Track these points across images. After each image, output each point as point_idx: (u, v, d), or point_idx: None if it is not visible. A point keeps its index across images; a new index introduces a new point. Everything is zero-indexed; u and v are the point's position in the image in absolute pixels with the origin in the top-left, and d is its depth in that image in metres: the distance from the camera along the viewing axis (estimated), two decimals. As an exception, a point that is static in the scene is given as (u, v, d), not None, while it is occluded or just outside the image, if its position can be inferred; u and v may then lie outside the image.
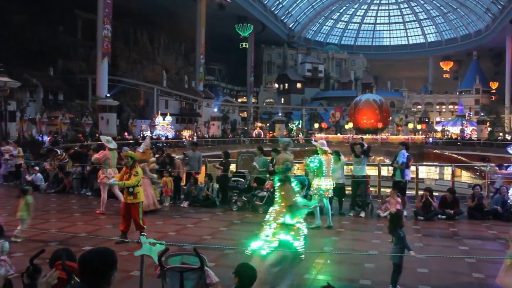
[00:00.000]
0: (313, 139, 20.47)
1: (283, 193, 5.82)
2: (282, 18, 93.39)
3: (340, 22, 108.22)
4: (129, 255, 7.32)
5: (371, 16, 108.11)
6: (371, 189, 13.88)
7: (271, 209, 5.95)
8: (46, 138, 30.55)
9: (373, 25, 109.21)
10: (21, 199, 8.85)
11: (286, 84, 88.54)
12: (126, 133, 45.12)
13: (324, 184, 10.38)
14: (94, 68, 51.47)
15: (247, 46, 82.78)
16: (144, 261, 4.69)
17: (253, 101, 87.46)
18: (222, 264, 7.26)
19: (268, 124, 72.30)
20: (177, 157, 15.94)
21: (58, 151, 17.19)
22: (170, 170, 13.77)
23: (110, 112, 44.19)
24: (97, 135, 34.07)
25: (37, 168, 16.38)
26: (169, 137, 47.04)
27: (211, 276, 4.19)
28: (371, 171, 15.20)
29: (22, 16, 54.71)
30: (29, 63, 50.06)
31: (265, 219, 5.93)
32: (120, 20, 58.67)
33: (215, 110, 65.65)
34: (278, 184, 5.94)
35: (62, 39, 58.58)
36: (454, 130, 70.65)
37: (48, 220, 10.82)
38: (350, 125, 55.79)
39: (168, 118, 51.79)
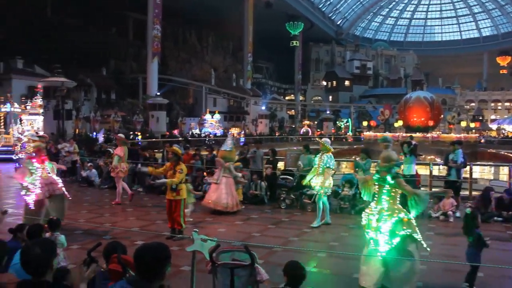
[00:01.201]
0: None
1: (401, 188, 5.88)
2: (330, 15, 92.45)
3: (389, 18, 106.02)
4: (179, 250, 7.44)
5: (421, 11, 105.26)
6: (422, 188, 13.50)
7: (370, 209, 6.04)
8: (100, 135, 31.53)
9: (424, 20, 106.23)
10: None
11: (334, 82, 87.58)
12: (175, 131, 45.95)
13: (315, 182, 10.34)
14: (145, 68, 52.72)
15: (297, 44, 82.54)
16: (195, 257, 4.74)
17: (300, 99, 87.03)
18: (271, 261, 7.24)
19: (316, 122, 71.80)
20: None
21: (111, 150, 17.69)
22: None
23: (160, 110, 45.20)
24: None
25: (91, 164, 16.94)
26: (217, 134, 47.54)
27: (261, 273, 4.19)
28: (422, 170, 14.80)
29: (77, 20, 56.71)
30: (83, 64, 51.83)
31: (363, 222, 6.07)
32: (169, 20, 59.76)
33: (263, 108, 65.78)
34: (391, 181, 5.90)
35: (114, 40, 60.38)
36: (510, 129, 67.79)
37: (102, 215, 11.17)
38: (400, 123, 54.47)
39: (217, 116, 52.36)
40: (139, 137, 35.63)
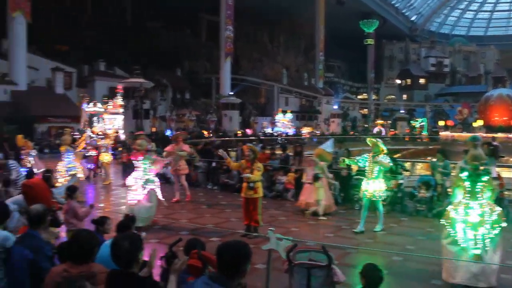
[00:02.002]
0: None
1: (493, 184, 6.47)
2: (403, 11, 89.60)
3: (468, 12, 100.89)
4: (254, 248, 7.50)
5: (504, 3, 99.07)
6: (506, 192, 12.74)
7: (465, 205, 6.26)
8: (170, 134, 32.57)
9: (508, 12, 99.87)
10: None
11: (409, 80, 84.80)
12: (247, 130, 46.52)
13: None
14: (218, 68, 53.80)
15: (372, 42, 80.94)
16: (271, 255, 4.80)
17: (373, 97, 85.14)
18: (345, 263, 7.19)
19: (389, 122, 69.95)
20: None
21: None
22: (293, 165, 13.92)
23: (232, 110, 45.97)
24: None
25: (168, 162, 17.49)
26: (289, 134, 47.58)
27: (338, 274, 4.18)
28: (506, 173, 14.00)
29: (154, 23, 59.00)
30: (159, 65, 53.83)
31: (456, 217, 6.28)
32: (241, 21, 60.55)
33: (335, 107, 65.00)
34: (485, 178, 6.24)
35: (188, 41, 62.12)
36: None
37: (178, 211, 11.55)
38: (480, 122, 51.83)
39: (289, 115, 52.40)
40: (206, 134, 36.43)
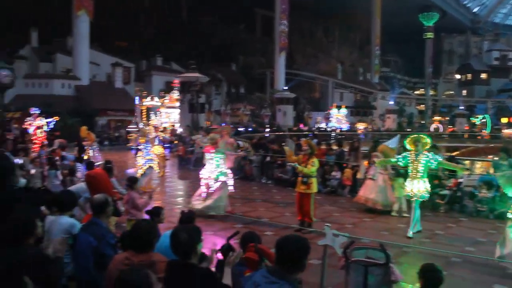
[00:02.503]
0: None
1: None
2: (465, 2, 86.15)
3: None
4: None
5: None
6: None
7: None
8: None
9: None
10: None
11: (469, 75, 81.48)
12: (301, 124, 46.32)
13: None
14: (272, 63, 53.89)
15: (431, 36, 78.51)
16: (326, 251, 4.77)
17: (431, 93, 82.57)
18: (401, 261, 7.03)
19: (447, 118, 67.66)
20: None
21: (240, 142, 18.33)
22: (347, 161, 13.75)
23: (287, 104, 45.89)
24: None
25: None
26: (343, 129, 46.98)
27: (396, 273, 4.10)
28: None
29: (210, 18, 59.82)
30: (214, 60, 54.56)
31: None
32: (295, 15, 60.29)
33: (391, 102, 63.52)
34: None
35: (243, 36, 62.55)
36: None
37: (233, 204, 11.68)
38: (547, 119, 49.32)
39: (343, 111, 51.72)
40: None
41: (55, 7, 48.02)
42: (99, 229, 4.28)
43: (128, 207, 7.17)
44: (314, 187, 9.14)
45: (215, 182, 10.24)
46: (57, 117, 20.03)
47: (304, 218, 9.11)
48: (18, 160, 9.60)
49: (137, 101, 31.38)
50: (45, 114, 18.97)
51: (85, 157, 13.46)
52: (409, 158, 8.87)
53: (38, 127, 17.08)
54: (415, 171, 8.79)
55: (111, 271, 3.50)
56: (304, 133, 28.74)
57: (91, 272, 4.07)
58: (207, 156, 10.64)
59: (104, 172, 7.49)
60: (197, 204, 10.17)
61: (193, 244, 3.41)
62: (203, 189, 10.33)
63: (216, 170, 10.29)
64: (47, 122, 18.74)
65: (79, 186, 7.56)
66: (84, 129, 15.09)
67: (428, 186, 8.90)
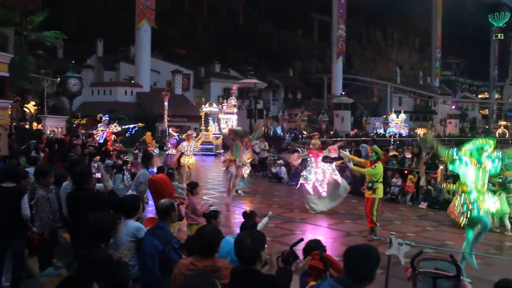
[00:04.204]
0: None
1: None
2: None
3: None
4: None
5: None
6: None
7: None
8: (280, 133, 32.88)
9: None
10: None
11: (540, 77, 77.63)
12: (355, 130, 45.65)
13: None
14: (329, 68, 53.51)
15: (502, 37, 75.33)
16: (391, 261, 4.63)
17: (496, 96, 79.06)
18: (474, 275, 6.70)
19: (514, 123, 64.51)
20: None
21: (299, 149, 18.22)
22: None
23: (344, 110, 45.40)
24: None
25: (280, 161, 17.72)
26: (402, 134, 45.88)
27: (468, 286, 3.91)
28: None
29: (267, 24, 60.27)
30: (271, 66, 54.81)
31: None
32: (353, 20, 59.60)
33: (453, 107, 61.42)
34: None
35: (300, 42, 62.53)
36: None
37: (292, 210, 11.64)
38: None
39: (402, 116, 50.53)
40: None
41: (119, 18, 50.03)
42: (165, 233, 4.37)
43: (188, 211, 7.30)
44: (380, 193, 9.10)
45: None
46: (140, 124, 20.76)
47: (367, 224, 9.05)
48: (93, 164, 10.01)
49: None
50: (115, 120, 19.68)
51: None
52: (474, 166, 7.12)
53: (113, 133, 17.67)
54: (484, 185, 7.13)
55: (176, 275, 3.56)
56: (363, 138, 28.23)
57: (156, 275, 4.16)
58: (312, 161, 11.65)
59: (166, 177, 7.66)
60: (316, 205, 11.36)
61: (258, 250, 3.40)
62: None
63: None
64: (129, 128, 19.42)
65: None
66: (149, 135, 15.45)
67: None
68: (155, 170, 9.94)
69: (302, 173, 11.91)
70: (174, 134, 18.64)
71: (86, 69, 41.84)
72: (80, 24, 50.28)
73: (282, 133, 35.47)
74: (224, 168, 12.42)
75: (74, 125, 25.96)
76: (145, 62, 41.68)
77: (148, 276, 4.27)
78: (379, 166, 9.21)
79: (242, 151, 11.88)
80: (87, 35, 48.07)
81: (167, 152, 16.01)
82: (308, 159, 11.91)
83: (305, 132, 36.22)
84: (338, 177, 11.53)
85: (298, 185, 11.91)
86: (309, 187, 11.43)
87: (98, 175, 7.33)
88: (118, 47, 49.69)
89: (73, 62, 39.78)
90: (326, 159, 12.25)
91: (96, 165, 8.14)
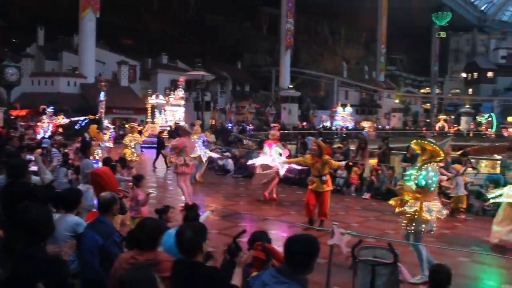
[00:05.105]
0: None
1: None
2: (472, 0, 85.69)
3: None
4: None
5: None
6: None
7: None
8: (231, 126, 32.89)
9: None
10: None
11: (475, 73, 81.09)
12: (304, 123, 46.27)
13: None
14: (278, 61, 53.80)
15: (444, 35, 78.16)
16: (333, 250, 4.73)
17: (437, 91, 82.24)
18: (410, 261, 6.96)
19: (453, 117, 67.37)
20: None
21: (244, 140, 18.28)
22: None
23: (292, 103, 45.84)
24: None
25: (227, 154, 17.73)
26: (348, 127, 46.92)
27: (404, 272, 4.06)
28: None
29: (216, 16, 59.88)
30: (220, 58, 54.60)
31: None
32: (301, 13, 60.17)
33: (396, 101, 63.42)
34: None
35: (249, 34, 62.54)
36: None
37: (238, 202, 11.67)
38: (554, 118, 49.00)
39: (348, 109, 51.66)
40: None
41: (62, 5, 48.15)
42: (106, 227, 4.26)
43: (133, 204, 7.18)
44: (331, 184, 9.34)
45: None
46: (92, 116, 20.05)
47: (320, 217, 9.15)
48: (30, 157, 9.59)
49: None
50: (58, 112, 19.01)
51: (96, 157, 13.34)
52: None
53: (59, 125, 17.02)
54: None
55: (116, 269, 3.48)
56: (310, 131, 28.59)
57: (97, 270, 4.05)
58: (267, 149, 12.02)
59: (109, 170, 7.47)
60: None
61: (199, 242, 3.38)
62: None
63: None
64: (79, 120, 18.71)
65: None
66: (93, 128, 14.65)
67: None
68: (100, 164, 9.65)
69: (254, 160, 12.52)
70: (110, 126, 18.23)
71: (25, 58, 40.02)
72: (17, 10, 48.08)
73: (231, 126, 35.46)
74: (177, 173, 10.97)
75: (12, 117, 24.89)
76: (90, 52, 40.40)
77: (87, 271, 4.15)
78: (326, 158, 9.31)
79: (188, 150, 10.99)
80: (26, 22, 46.05)
81: (104, 146, 15.51)
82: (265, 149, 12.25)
83: (251, 125, 36.32)
84: (283, 170, 11.84)
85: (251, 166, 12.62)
86: (260, 162, 11.96)
87: (35, 168, 7.06)
88: (60, 36, 47.91)
89: (5, 50, 37.78)
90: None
91: (34, 158, 7.82)
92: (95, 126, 15.42)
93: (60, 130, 21.14)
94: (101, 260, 4.05)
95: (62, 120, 18.79)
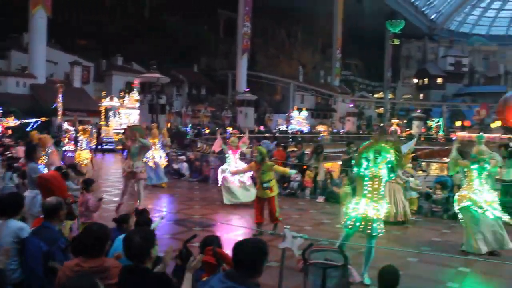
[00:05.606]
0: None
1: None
2: (423, 9, 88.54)
3: (489, 11, 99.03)
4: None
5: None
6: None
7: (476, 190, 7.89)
8: (189, 130, 32.65)
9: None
10: None
11: (426, 79, 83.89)
12: (262, 127, 46.42)
13: None
14: (234, 64, 53.79)
15: (398, 43, 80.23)
16: (285, 254, 4.74)
17: (390, 96, 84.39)
18: (360, 263, 7.08)
19: (405, 121, 69.31)
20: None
21: (199, 144, 18.15)
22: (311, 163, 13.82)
23: (248, 106, 45.92)
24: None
25: (182, 157, 17.56)
26: (304, 131, 47.41)
27: (354, 275, 4.11)
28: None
29: (173, 17, 59.31)
30: (176, 60, 54.05)
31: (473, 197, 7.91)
32: (258, 17, 60.42)
33: (351, 105, 64.65)
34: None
35: (206, 37, 62.27)
36: None
37: (192, 207, 11.56)
38: (498, 123, 51.08)
39: (304, 113, 52.18)
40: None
41: (11, 1, 46.43)
42: (51, 234, 4.12)
43: (82, 209, 6.98)
44: (276, 189, 9.25)
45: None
46: (44, 118, 19.30)
47: (273, 221, 9.14)
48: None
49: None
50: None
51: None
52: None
53: (8, 127, 16.25)
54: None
55: (60, 278, 3.35)
56: (265, 135, 28.77)
57: (41, 279, 3.90)
58: (231, 156, 12.12)
59: (58, 175, 7.23)
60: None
61: (148, 248, 3.32)
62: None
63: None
64: (30, 122, 17.95)
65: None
66: (33, 135, 12.89)
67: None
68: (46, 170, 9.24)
69: (221, 168, 12.30)
70: (71, 129, 17.70)
71: (-29, 57, 38.40)
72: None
73: (187, 129, 35.14)
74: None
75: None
76: (40, 51, 39.04)
77: (31, 279, 3.99)
78: (270, 165, 9.22)
79: (140, 154, 10.71)
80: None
81: (63, 148, 15.02)
82: (227, 155, 12.24)
83: (206, 129, 36.12)
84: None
85: (220, 183, 11.99)
86: (234, 179, 11.72)
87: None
88: (9, 34, 46.17)
89: None
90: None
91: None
92: (34, 132, 14.54)
93: (10, 132, 20.39)
94: (46, 268, 3.91)
95: (13, 122, 18.05)
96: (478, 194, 7.85)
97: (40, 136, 10.83)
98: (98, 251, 3.42)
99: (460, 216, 8.15)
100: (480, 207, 7.75)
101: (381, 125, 69.28)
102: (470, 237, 7.84)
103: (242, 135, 16.67)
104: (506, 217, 7.94)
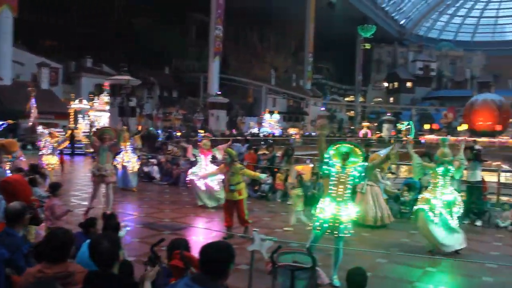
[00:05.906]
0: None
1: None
2: (393, 15, 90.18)
3: (456, 17, 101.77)
4: (237, 248, 7.37)
5: (492, 9, 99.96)
6: (488, 196, 12.81)
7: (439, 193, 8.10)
8: (160, 132, 32.37)
9: (494, 19, 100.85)
10: None
11: (396, 83, 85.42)
12: (233, 130, 46.41)
13: None
14: (206, 67, 53.62)
15: (369, 47, 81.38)
16: (254, 256, 4.73)
17: (361, 100, 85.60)
18: (329, 265, 7.13)
19: (375, 124, 70.35)
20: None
21: (169, 147, 18.02)
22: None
23: (220, 109, 45.86)
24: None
25: (153, 160, 17.38)
26: (275, 134, 47.57)
27: (323, 276, 4.13)
28: (488, 177, 14.08)
29: (143, 19, 58.75)
30: (147, 63, 53.57)
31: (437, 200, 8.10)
32: (230, 20, 60.41)
33: (322, 108, 65.25)
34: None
35: (177, 40, 61.88)
36: None
37: (162, 210, 11.44)
38: (464, 126, 52.35)
39: (276, 116, 52.40)
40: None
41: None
42: (14, 240, 4.00)
43: (48, 214, 6.82)
44: (244, 193, 9.16)
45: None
46: (11, 121, 18.80)
47: (243, 224, 9.09)
48: None
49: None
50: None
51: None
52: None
53: None
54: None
55: (22, 285, 3.26)
56: (237, 138, 28.73)
57: (2, 286, 3.79)
58: (203, 159, 12.07)
59: (22, 178, 7.06)
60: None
61: (116, 253, 3.27)
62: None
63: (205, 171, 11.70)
64: None
65: None
66: None
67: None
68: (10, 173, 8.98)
69: (191, 170, 12.34)
70: (46, 132, 17.30)
71: None
72: None
73: (158, 132, 34.80)
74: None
75: None
76: (6, 52, 38.06)
77: (-8, 287, 3.87)
78: (238, 168, 9.16)
79: (109, 156, 10.48)
80: None
81: (40, 153, 14.64)
82: (198, 158, 12.23)
83: (178, 133, 35.88)
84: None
85: (189, 184, 12.29)
86: (200, 183, 11.77)
87: None
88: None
89: None
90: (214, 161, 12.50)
91: None
92: None
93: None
94: (7, 277, 3.79)
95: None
96: (439, 198, 8.01)
97: (3, 141, 10.35)
98: (61, 256, 3.34)
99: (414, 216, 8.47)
100: (434, 213, 7.89)
101: (352, 128, 70.23)
102: (428, 235, 8.10)
103: (214, 138, 16.71)
104: (455, 223, 8.22)
